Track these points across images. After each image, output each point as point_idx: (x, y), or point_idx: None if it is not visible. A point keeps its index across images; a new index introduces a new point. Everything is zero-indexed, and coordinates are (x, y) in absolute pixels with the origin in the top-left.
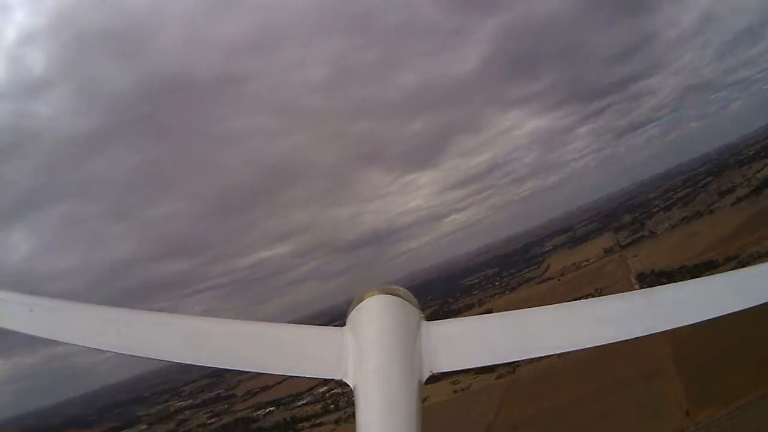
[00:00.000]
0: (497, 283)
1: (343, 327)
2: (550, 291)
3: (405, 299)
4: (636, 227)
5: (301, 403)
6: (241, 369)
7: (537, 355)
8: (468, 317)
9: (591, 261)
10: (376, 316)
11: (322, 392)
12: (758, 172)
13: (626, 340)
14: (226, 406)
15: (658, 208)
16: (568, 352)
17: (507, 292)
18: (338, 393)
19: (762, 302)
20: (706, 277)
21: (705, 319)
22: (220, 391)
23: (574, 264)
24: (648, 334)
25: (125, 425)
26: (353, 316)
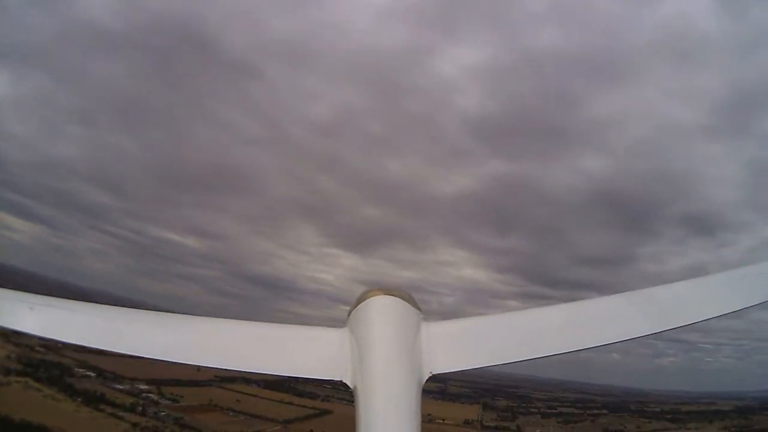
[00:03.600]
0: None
1: (344, 327)
2: None
3: (405, 300)
4: (506, 416)
5: None
6: (241, 369)
7: (537, 356)
8: (468, 317)
9: (445, 422)
10: (376, 317)
11: None
12: (655, 431)
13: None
14: None
15: (536, 411)
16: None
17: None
18: None
19: (762, 301)
20: (707, 277)
21: (706, 318)
22: None
23: (429, 415)
24: (649, 333)
25: None
26: (353, 317)
